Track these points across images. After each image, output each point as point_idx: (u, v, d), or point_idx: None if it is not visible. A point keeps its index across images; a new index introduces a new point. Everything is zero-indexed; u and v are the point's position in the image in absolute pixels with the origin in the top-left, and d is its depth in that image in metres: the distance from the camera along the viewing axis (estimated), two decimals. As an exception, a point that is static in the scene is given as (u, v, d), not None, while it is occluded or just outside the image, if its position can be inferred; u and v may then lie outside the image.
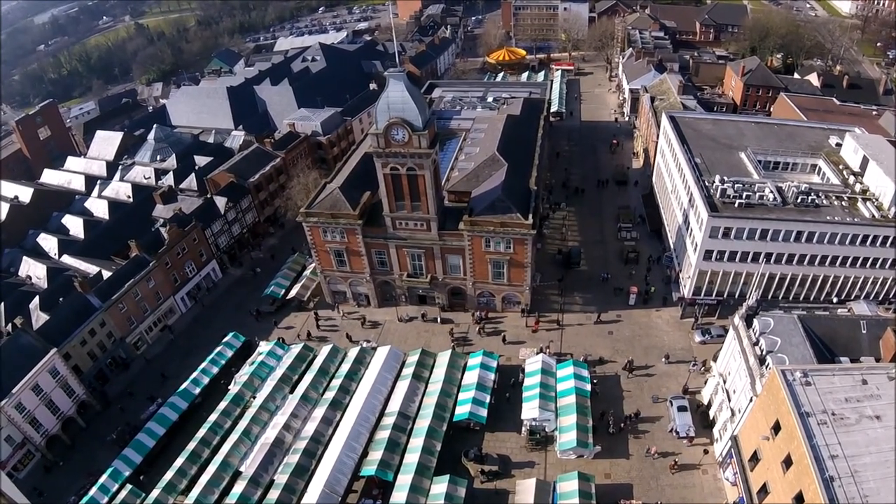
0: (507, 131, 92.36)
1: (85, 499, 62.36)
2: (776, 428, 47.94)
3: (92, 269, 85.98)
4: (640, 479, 60.75)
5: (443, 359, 73.65)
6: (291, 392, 71.75)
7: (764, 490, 49.78)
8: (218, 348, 80.00)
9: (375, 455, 61.37)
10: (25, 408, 67.80)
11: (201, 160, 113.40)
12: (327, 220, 79.15)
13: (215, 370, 77.29)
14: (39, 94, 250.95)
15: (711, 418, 65.35)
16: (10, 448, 67.15)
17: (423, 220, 76.40)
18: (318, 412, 67.47)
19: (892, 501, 39.88)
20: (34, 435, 69.24)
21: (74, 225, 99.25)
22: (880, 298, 74.37)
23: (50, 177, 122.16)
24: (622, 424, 65.49)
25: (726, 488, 58.36)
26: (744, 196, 71.68)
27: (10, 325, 72.78)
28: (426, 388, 70.62)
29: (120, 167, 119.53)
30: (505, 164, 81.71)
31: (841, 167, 78.18)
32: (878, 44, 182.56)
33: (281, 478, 60.29)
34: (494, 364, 72.38)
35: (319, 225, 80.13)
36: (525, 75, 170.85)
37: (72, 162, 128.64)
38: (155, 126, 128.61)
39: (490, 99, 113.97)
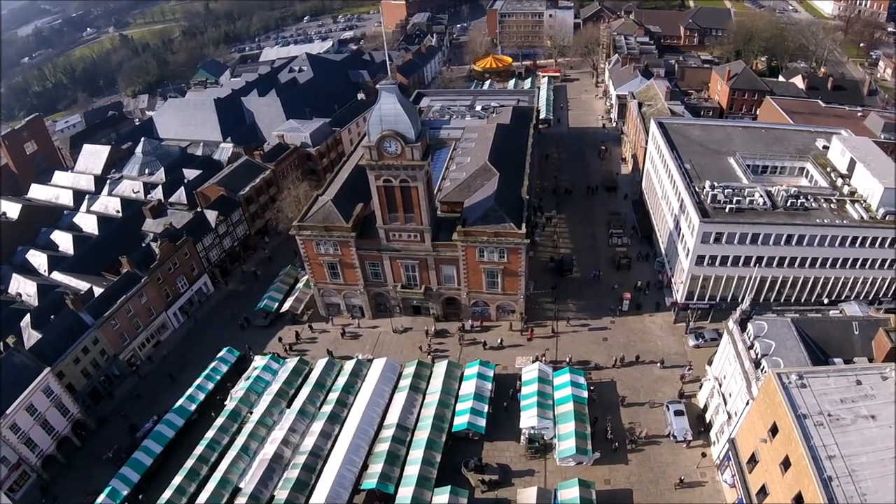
0: (497, 140, 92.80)
1: (84, 519, 61.91)
2: (773, 430, 48.56)
3: (83, 285, 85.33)
4: (640, 484, 61.17)
5: (439, 369, 73.73)
6: (288, 406, 71.57)
7: (763, 491, 50.29)
8: (213, 363, 79.64)
9: (375, 468, 61.34)
10: (20, 428, 67.22)
11: (190, 173, 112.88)
12: (320, 232, 79.09)
13: (210, 386, 76.88)
14: (24, 107, 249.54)
15: (708, 421, 65.86)
16: (6, 469, 66.46)
17: (417, 231, 76.51)
18: (317, 426, 67.34)
19: (889, 499, 40.52)
20: (29, 455, 68.60)
21: (64, 241, 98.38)
22: (870, 299, 75.33)
23: (37, 192, 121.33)
24: (616, 445, 65.13)
25: (725, 490, 58.84)
26: (734, 201, 72.50)
27: (1, 343, 72.05)
28: (424, 398, 70.69)
29: (108, 181, 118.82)
30: (496, 174, 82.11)
31: (828, 170, 79.19)
32: (861, 44, 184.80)
33: (281, 493, 60.09)
34: (491, 373, 72.53)
35: (312, 238, 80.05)
36: (512, 83, 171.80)
37: (59, 176, 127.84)
38: (142, 139, 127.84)
39: (479, 108, 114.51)
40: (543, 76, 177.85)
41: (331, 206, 79.08)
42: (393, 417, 67.44)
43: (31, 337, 75.47)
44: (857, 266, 72.95)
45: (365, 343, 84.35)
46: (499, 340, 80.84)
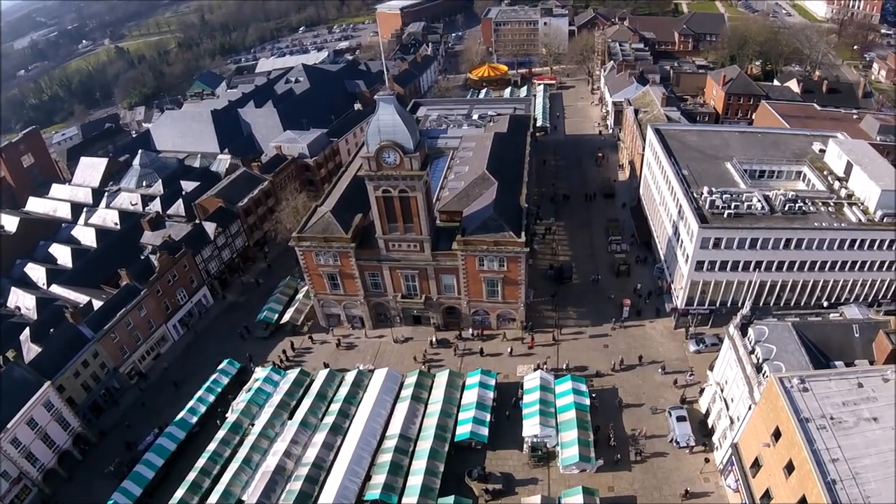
0: (495, 149, 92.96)
1: (85, 534, 61.56)
2: (776, 434, 48.55)
3: (82, 298, 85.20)
4: (644, 491, 61.06)
5: (441, 379, 73.64)
6: (290, 418, 71.35)
7: (767, 496, 50.22)
8: (213, 376, 79.49)
9: (379, 479, 61.16)
10: (21, 442, 66.95)
11: (188, 185, 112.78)
12: (320, 243, 79.07)
13: (212, 398, 76.75)
14: (21, 120, 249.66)
15: (710, 426, 65.85)
16: (7, 483, 66.06)
17: (416, 241, 76.54)
18: (319, 437, 67.13)
19: (893, 502, 40.50)
20: (30, 469, 68.28)
21: (62, 254, 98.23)
22: (870, 301, 75.46)
23: (35, 205, 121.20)
24: (618, 456, 64.82)
25: (728, 495, 58.84)
26: (732, 206, 72.62)
27: (1, 357, 71.81)
28: (426, 408, 70.55)
29: (106, 194, 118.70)
30: (495, 183, 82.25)
31: (826, 173, 79.47)
32: (855, 47, 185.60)
33: (285, 505, 59.90)
34: (493, 382, 72.43)
35: (312, 249, 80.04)
36: (508, 91, 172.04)
37: (57, 189, 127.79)
38: (140, 151, 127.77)
39: (476, 116, 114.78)
40: (539, 84, 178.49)
41: (330, 217, 79.10)
42: (395, 428, 67.26)
43: (30, 350, 75.30)
44: (856, 269, 73.07)
45: (365, 353, 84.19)
46: (508, 350, 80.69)
